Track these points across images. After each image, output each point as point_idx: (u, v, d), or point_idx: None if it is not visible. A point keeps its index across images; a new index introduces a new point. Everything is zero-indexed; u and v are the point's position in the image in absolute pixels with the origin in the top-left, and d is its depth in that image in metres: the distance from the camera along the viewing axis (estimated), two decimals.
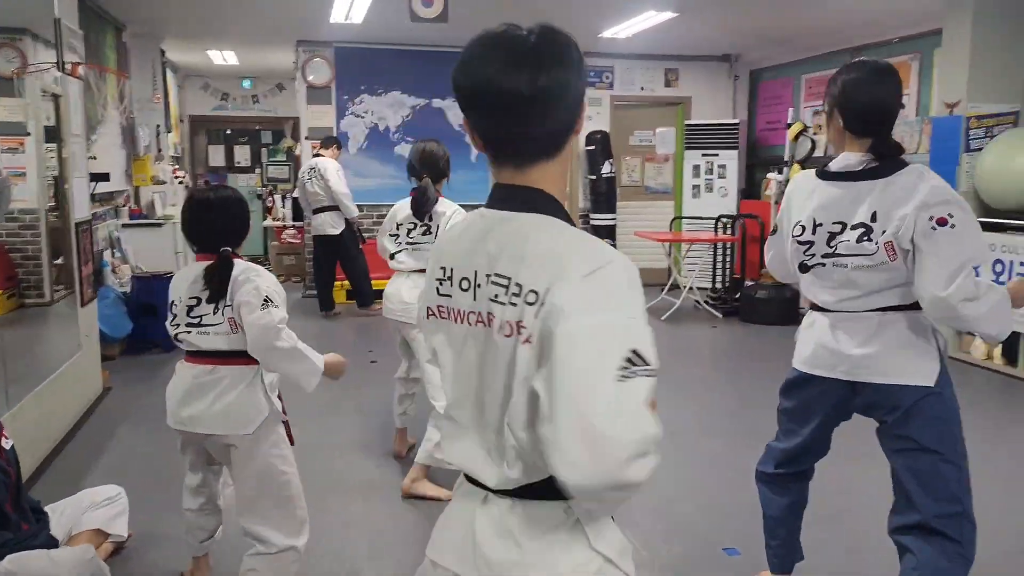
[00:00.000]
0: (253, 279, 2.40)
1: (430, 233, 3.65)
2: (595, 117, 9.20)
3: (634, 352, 1.06)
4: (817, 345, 2.29)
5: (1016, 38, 5.87)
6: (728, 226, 8.31)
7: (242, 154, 12.55)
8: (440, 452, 3.37)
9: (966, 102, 5.86)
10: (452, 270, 1.26)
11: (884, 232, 2.11)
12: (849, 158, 2.22)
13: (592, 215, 9.03)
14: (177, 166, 9.89)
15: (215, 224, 2.45)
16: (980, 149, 5.85)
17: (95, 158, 6.10)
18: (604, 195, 8.90)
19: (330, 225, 7.59)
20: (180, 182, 8.89)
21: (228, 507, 2.73)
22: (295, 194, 8.88)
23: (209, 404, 2.41)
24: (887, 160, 2.16)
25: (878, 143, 2.18)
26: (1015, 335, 5.48)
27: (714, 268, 8.11)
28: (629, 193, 9.34)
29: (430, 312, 1.31)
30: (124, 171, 7.45)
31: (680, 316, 7.42)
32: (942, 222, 2.04)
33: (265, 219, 10.90)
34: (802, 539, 2.63)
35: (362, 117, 8.73)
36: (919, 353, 2.19)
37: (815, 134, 7.34)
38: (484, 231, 1.24)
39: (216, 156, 12.46)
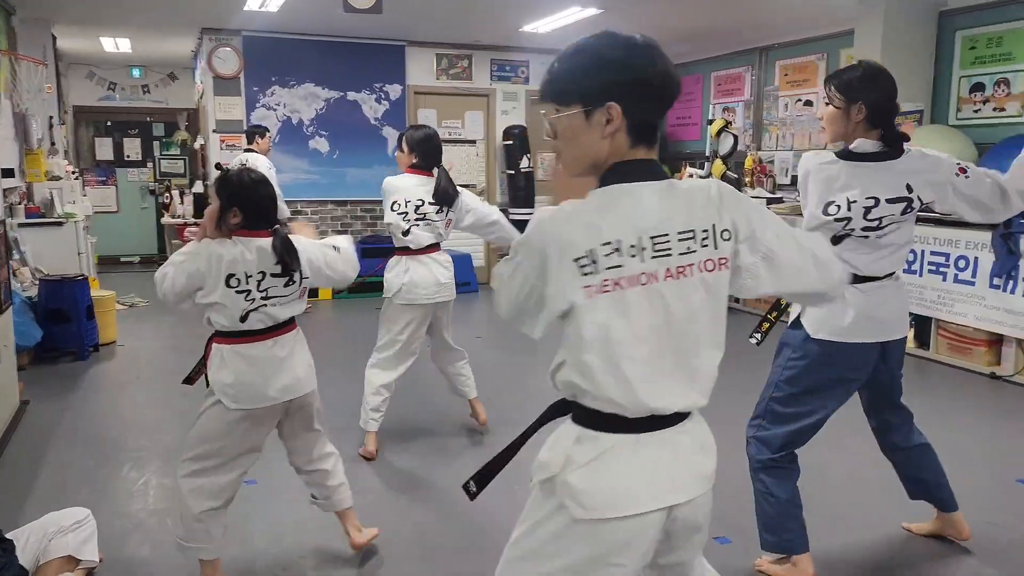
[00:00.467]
0: (303, 242, 2.63)
1: (442, 212, 3.89)
2: (511, 112, 9.21)
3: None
4: (857, 314, 2.58)
5: (921, 40, 6.25)
6: None
7: (132, 147, 11.86)
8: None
9: None
10: (620, 241, 1.38)
11: (920, 198, 2.57)
12: (865, 144, 2.59)
13: (510, 210, 9.03)
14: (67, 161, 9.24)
15: (273, 199, 2.58)
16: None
17: None
18: (522, 190, 8.92)
19: None
20: (76, 177, 8.31)
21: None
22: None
23: (294, 369, 2.59)
24: (895, 145, 2.58)
25: (888, 132, 2.58)
26: (925, 320, 5.85)
27: None
28: (546, 188, 9.39)
29: (591, 289, 1.38)
30: (18, 166, 6.90)
31: None
32: (962, 170, 2.60)
33: (162, 216, 10.37)
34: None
35: (274, 110, 8.41)
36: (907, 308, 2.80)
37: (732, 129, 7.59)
38: (658, 199, 1.43)
39: (103, 150, 11.73)
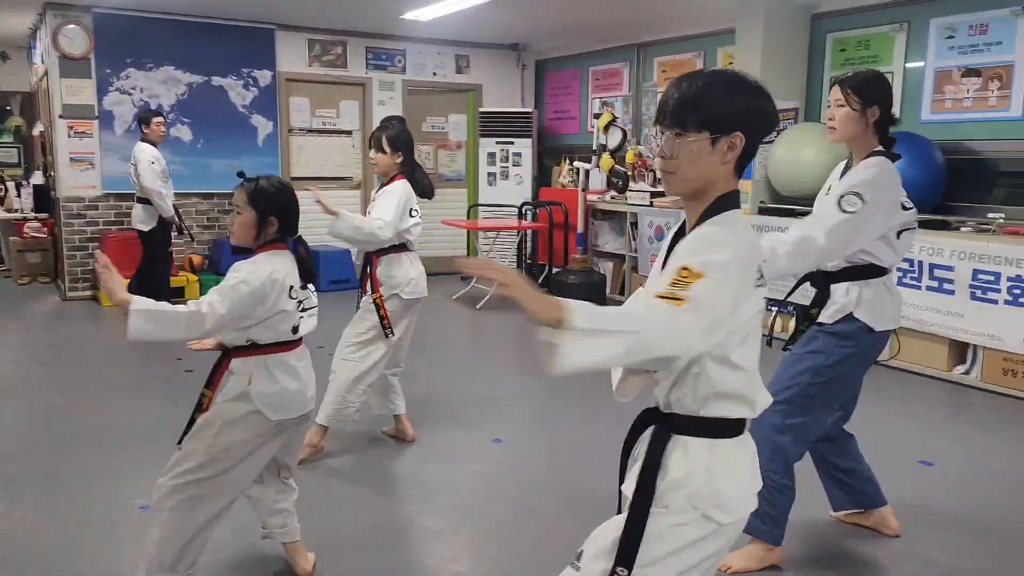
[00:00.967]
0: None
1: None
2: (388, 102, 8.91)
3: None
4: (898, 303, 2.79)
5: (796, 41, 6.51)
6: (526, 214, 8.45)
7: None
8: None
9: None
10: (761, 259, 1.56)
11: None
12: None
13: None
14: None
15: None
16: (771, 141, 6.42)
17: None
18: None
19: (140, 220, 6.76)
20: None
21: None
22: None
23: (312, 377, 2.63)
24: (893, 149, 2.76)
25: (887, 136, 2.72)
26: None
27: (519, 255, 8.21)
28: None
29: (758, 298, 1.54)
30: None
31: (493, 305, 7.43)
32: None
33: None
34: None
35: (129, 94, 7.72)
36: None
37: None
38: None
39: None
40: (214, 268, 7.95)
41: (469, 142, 9.45)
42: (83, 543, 3.01)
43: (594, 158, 7.34)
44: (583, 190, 7.63)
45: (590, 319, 1.30)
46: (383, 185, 3.78)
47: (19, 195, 9.13)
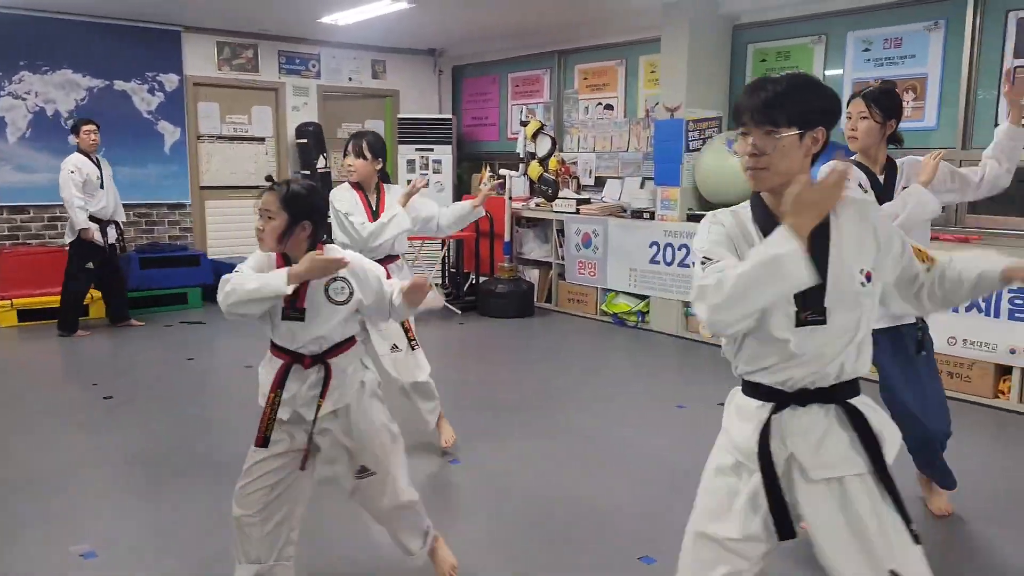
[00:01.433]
0: None
1: None
2: (303, 108, 8.63)
3: None
4: None
5: (721, 50, 6.64)
6: None
7: None
8: None
9: (685, 107, 6.50)
10: None
11: None
12: None
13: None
14: None
15: None
16: (698, 149, 6.53)
17: None
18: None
19: (67, 232, 6.45)
20: None
21: None
22: None
23: None
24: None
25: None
26: None
27: (444, 265, 8.08)
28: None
29: None
30: None
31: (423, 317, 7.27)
32: None
33: None
34: None
35: (23, 99, 7.18)
36: None
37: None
38: None
39: None
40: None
41: (387, 149, 9.22)
42: None
43: (521, 166, 7.28)
44: (509, 198, 7.57)
45: None
46: (377, 190, 3.85)
47: None
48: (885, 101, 2.90)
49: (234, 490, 2.41)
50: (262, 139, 8.51)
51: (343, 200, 3.73)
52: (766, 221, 1.71)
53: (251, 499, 2.37)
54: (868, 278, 1.70)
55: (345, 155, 3.74)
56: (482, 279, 7.81)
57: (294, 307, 2.30)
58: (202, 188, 8.20)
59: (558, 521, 3.31)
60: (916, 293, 1.82)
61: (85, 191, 6.24)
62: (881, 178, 3.00)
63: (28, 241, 7.31)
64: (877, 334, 2.95)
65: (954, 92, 5.47)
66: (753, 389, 1.77)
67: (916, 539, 1.67)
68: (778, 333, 1.67)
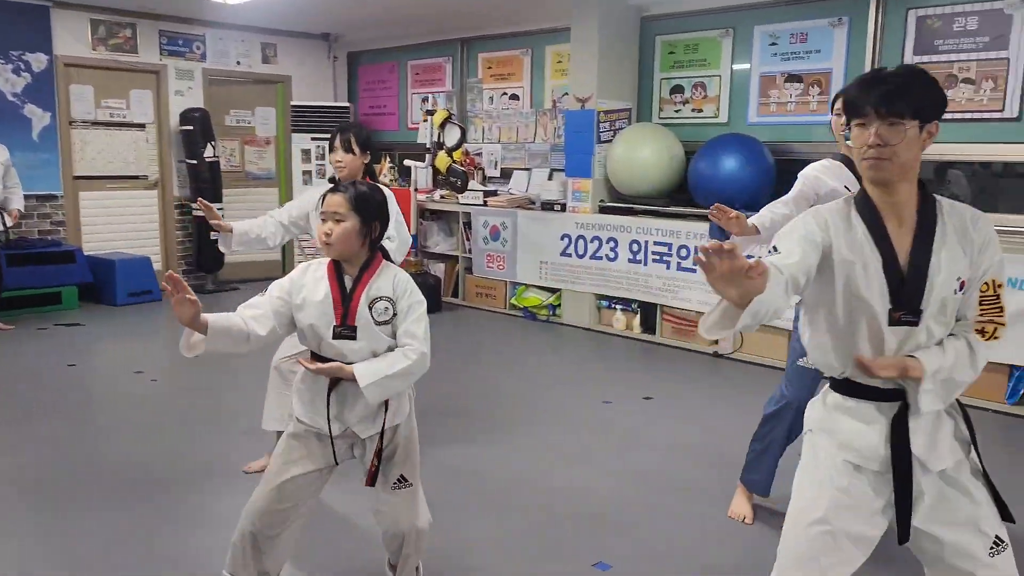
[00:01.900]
0: None
1: None
2: (188, 92, 8.06)
3: None
4: None
5: (630, 41, 6.60)
6: None
7: None
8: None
9: (596, 98, 6.42)
10: None
11: None
12: None
13: (194, 205, 7.91)
14: None
15: None
16: (609, 141, 6.48)
17: None
18: (209, 182, 7.85)
19: None
20: None
21: None
22: None
23: None
24: None
25: None
26: (651, 306, 6.24)
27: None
28: (229, 179, 8.37)
29: None
30: None
31: None
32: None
33: None
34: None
35: None
36: None
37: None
38: None
39: None
40: None
41: (279, 138, 8.79)
42: None
43: (428, 156, 7.04)
44: (415, 189, 7.32)
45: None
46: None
47: None
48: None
49: (251, 505, 2.24)
50: (142, 125, 7.89)
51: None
52: (871, 215, 1.74)
53: (277, 517, 2.23)
54: (962, 287, 1.72)
55: (331, 150, 3.49)
56: None
57: (345, 324, 2.19)
58: (76, 178, 7.53)
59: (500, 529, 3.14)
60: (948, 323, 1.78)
61: None
62: None
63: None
64: None
65: None
66: (864, 390, 1.77)
67: (1006, 515, 1.79)
68: (874, 331, 1.73)
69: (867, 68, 5.53)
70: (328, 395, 2.23)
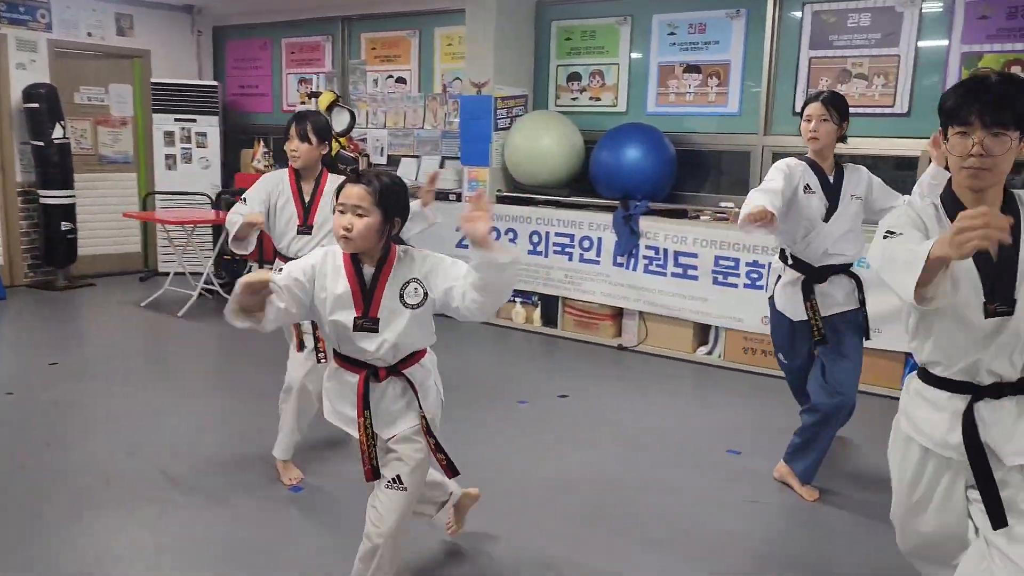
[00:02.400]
0: None
1: None
2: (31, 65, 7.19)
3: None
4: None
5: (526, 28, 6.41)
6: (223, 203, 7.39)
7: None
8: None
9: (493, 83, 6.19)
10: None
11: None
12: None
13: (41, 192, 7.08)
14: None
15: None
16: (506, 128, 6.27)
17: None
18: (58, 166, 7.04)
19: None
20: None
21: None
22: None
23: None
24: None
25: None
26: (552, 299, 6.11)
27: (219, 252, 7.14)
28: (80, 163, 7.54)
29: None
30: None
31: (197, 311, 6.38)
32: None
33: None
34: None
35: None
36: None
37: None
38: None
39: None
40: None
41: (138, 118, 8.02)
42: None
43: None
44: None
45: None
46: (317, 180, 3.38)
47: None
48: (840, 105, 3.17)
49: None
50: None
51: (258, 186, 3.39)
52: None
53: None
54: None
55: (287, 139, 3.28)
56: (265, 266, 7.00)
57: (367, 316, 2.11)
58: None
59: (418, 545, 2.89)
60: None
61: None
62: (831, 177, 3.24)
63: None
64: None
65: (756, 80, 5.66)
66: (942, 381, 1.81)
67: None
68: (967, 323, 1.73)
69: (765, 61, 5.59)
70: (365, 397, 2.17)
